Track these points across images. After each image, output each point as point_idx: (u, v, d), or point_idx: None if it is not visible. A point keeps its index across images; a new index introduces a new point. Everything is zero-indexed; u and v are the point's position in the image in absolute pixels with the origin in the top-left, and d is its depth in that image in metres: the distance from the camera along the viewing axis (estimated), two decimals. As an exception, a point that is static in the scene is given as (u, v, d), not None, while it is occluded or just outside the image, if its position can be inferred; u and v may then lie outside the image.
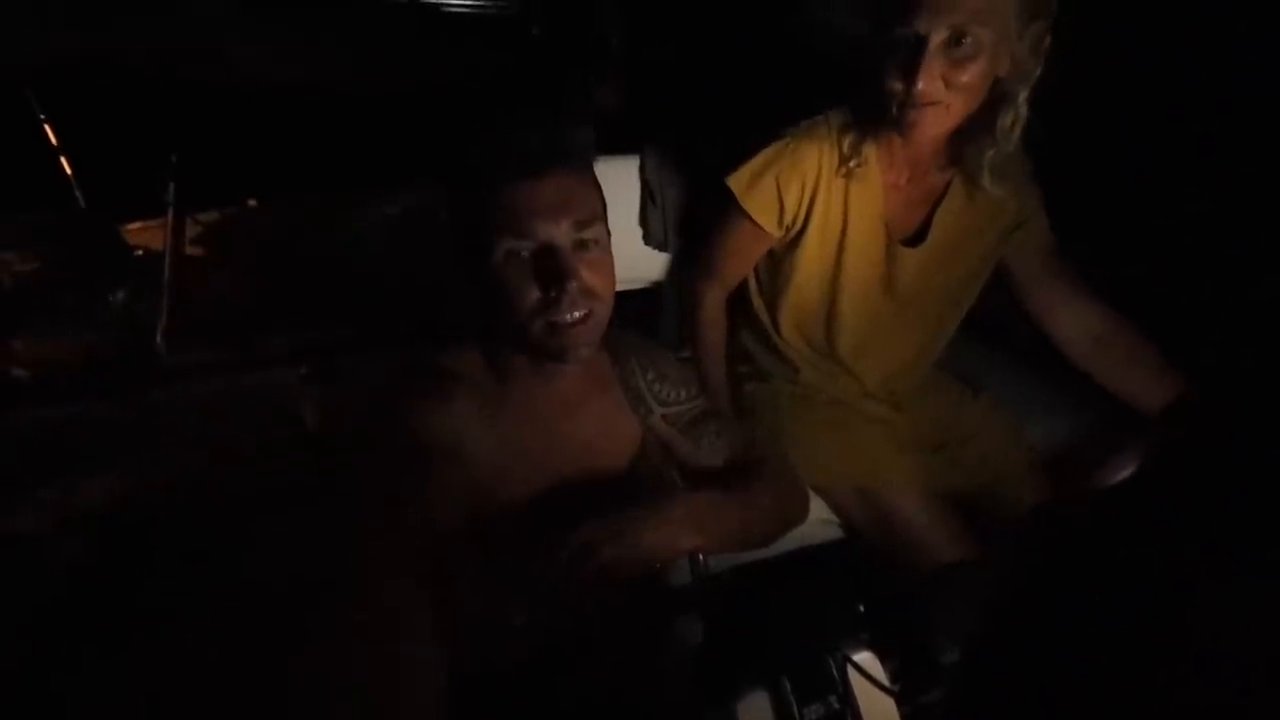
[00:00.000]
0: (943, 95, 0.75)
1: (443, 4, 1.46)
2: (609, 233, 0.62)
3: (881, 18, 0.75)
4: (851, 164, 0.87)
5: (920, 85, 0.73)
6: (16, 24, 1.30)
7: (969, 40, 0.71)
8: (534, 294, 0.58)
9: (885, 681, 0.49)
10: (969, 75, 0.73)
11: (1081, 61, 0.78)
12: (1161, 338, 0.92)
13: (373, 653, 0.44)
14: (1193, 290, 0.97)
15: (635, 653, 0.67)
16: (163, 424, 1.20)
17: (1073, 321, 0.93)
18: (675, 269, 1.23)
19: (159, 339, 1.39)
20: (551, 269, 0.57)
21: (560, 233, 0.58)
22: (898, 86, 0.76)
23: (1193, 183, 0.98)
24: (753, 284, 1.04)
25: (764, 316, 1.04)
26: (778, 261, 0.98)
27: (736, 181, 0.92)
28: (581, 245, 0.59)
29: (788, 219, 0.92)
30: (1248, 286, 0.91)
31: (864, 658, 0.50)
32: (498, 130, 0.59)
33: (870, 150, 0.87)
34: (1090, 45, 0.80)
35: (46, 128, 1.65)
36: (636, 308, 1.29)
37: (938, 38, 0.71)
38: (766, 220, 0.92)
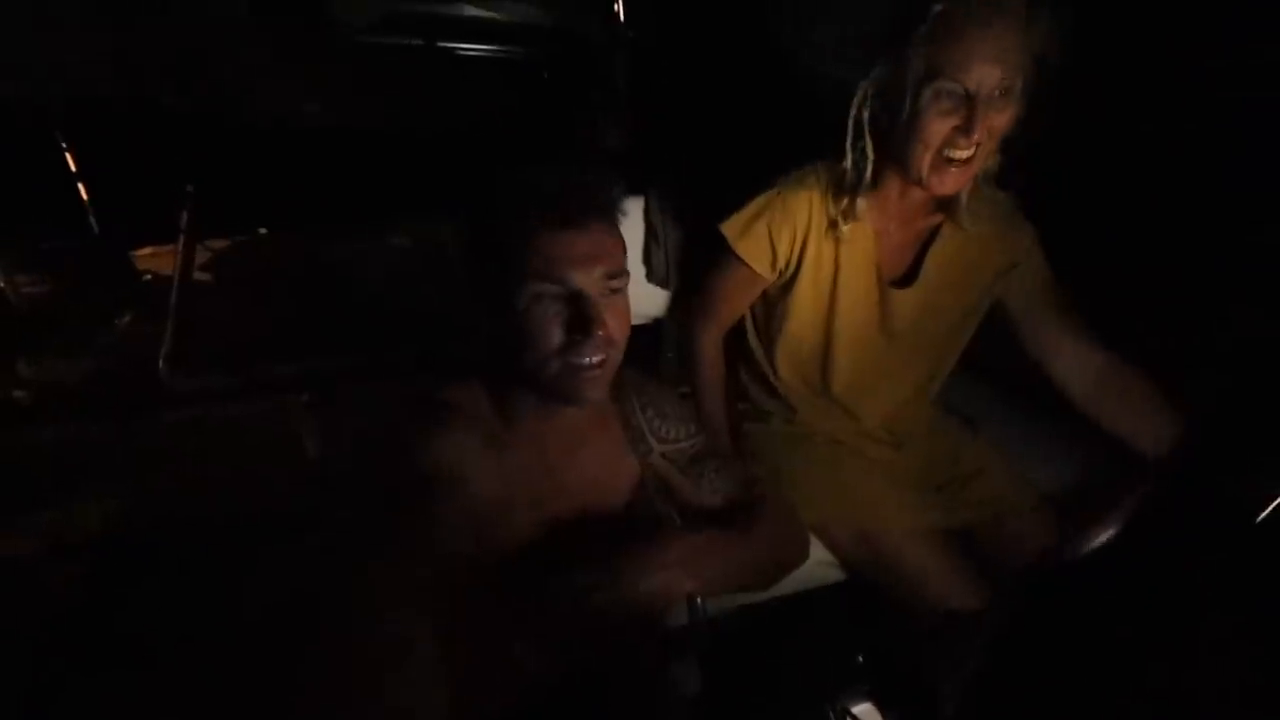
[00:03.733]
0: (980, 141, 0.78)
1: (456, 48, 1.52)
2: (629, 281, 0.64)
3: (922, 73, 0.77)
4: (842, 212, 0.89)
5: (975, 136, 0.76)
6: (46, 61, 1.34)
7: (1009, 90, 0.75)
8: (557, 336, 0.60)
9: (885, 734, 0.49)
10: (1003, 121, 0.77)
11: (1077, 92, 0.81)
12: (1160, 376, 0.91)
13: (373, 686, 0.43)
14: (1191, 327, 0.98)
15: (633, 700, 0.66)
16: (164, 449, 1.20)
17: (1071, 362, 0.94)
18: (677, 306, 1.25)
19: (162, 364, 1.39)
20: (578, 315, 0.59)
21: (591, 281, 0.59)
22: (932, 141, 0.78)
23: (1192, 216, 1.00)
24: (749, 325, 1.05)
25: (761, 357, 1.05)
26: (773, 304, 1.00)
27: (730, 228, 0.94)
28: (609, 292, 0.61)
29: (780, 263, 0.94)
30: (1245, 323, 0.92)
31: (863, 709, 0.49)
32: (543, 177, 0.61)
33: (860, 199, 0.89)
34: (1083, 77, 0.83)
35: (67, 155, 1.69)
36: (638, 343, 1.30)
37: (987, 89, 0.75)
38: (760, 265, 0.94)
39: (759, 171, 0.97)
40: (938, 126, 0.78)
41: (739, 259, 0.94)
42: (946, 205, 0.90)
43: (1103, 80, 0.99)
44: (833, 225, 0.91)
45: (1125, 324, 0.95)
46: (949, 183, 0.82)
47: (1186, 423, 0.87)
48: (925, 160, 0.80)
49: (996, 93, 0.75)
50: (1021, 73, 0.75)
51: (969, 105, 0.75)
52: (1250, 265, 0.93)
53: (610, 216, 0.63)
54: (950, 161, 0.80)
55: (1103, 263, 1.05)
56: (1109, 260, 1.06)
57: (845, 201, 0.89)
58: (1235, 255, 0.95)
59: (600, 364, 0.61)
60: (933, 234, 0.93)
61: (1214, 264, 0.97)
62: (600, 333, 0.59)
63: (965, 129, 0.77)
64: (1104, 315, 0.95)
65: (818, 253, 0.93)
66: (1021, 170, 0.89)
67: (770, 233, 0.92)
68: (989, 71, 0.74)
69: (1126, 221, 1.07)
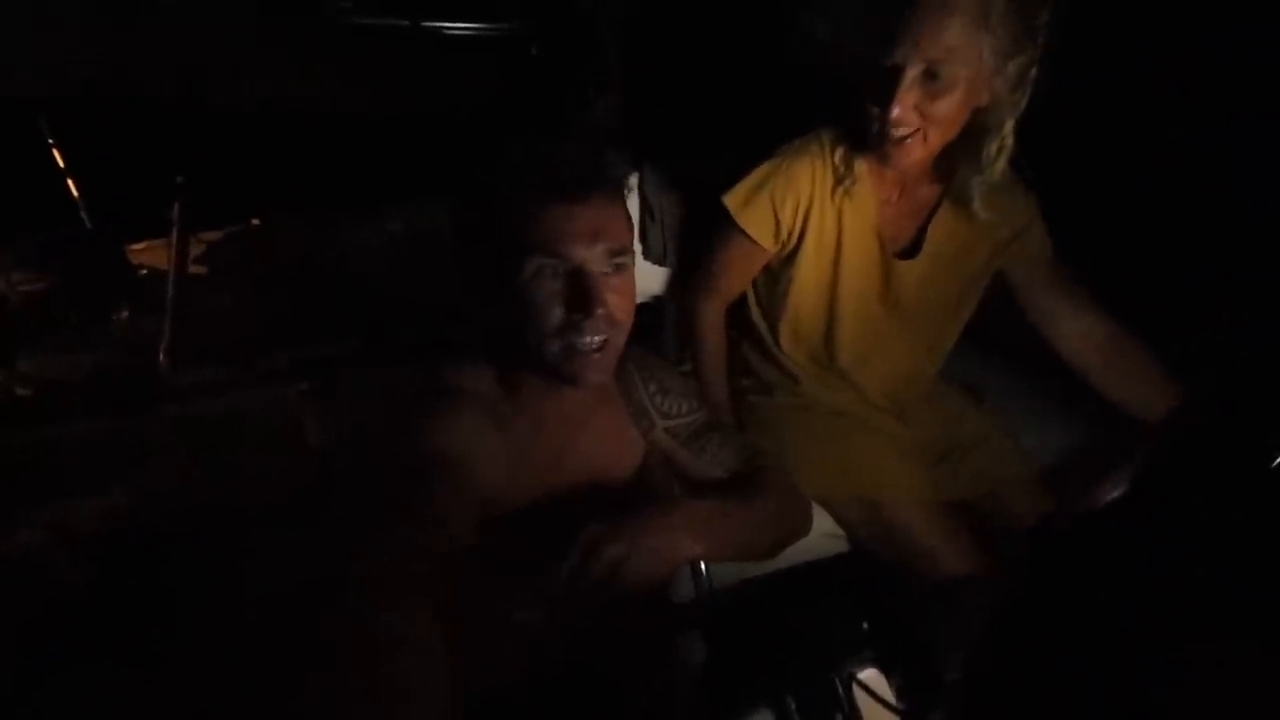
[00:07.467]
0: (916, 124, 0.77)
1: (442, 27, 1.48)
2: (634, 260, 0.63)
3: (864, 46, 0.77)
4: (844, 180, 0.89)
5: (893, 114, 0.76)
6: (31, 53, 1.32)
7: (943, 75, 0.73)
8: (558, 314, 0.58)
9: (891, 700, 0.49)
10: (942, 108, 0.76)
11: (1076, 69, 0.79)
12: (1161, 347, 0.91)
13: (376, 675, 0.43)
14: (1191, 299, 0.97)
15: (638, 671, 0.67)
16: (165, 441, 1.20)
17: (1073, 330, 0.94)
18: (675, 283, 1.23)
19: (162, 357, 1.39)
20: (580, 292, 0.58)
21: (594, 257, 0.58)
22: (874, 113, 0.78)
23: (1190, 190, 0.99)
24: (751, 297, 1.05)
25: (763, 329, 1.04)
26: (775, 275, 0.99)
27: (732, 199, 0.93)
28: (612, 270, 0.60)
29: (783, 235, 0.94)
30: (1246, 295, 0.91)
31: (869, 675, 0.49)
32: (546, 148, 0.59)
33: (862, 166, 0.89)
34: (1084, 54, 0.81)
35: (54, 151, 1.68)
36: (637, 321, 1.29)
37: (913, 70, 0.74)
38: (762, 236, 0.93)
39: (757, 144, 0.95)
40: (866, 98, 0.78)
41: (741, 231, 0.93)
42: (948, 179, 0.89)
43: (1105, 63, 0.97)
44: (835, 192, 0.90)
45: (1127, 302, 0.94)
46: (893, 157, 0.81)
47: (1188, 387, 0.87)
48: (873, 131, 0.80)
49: (924, 76, 0.74)
50: (963, 62, 0.72)
51: (886, 81, 0.75)
52: (1251, 245, 0.91)
53: (614, 191, 0.61)
54: (885, 138, 0.79)
55: (1105, 242, 1.04)
56: (1111, 239, 1.04)
57: (847, 164, 0.88)
58: (1238, 234, 0.94)
59: (602, 345, 0.60)
60: (935, 205, 0.92)
61: (1217, 242, 0.96)
62: (601, 311, 0.58)
63: (878, 102, 0.77)
64: (1106, 293, 0.94)
65: (820, 222, 0.92)
66: (1033, 160, 0.87)
67: (773, 203, 0.91)
68: (909, 50, 0.73)
69: (1129, 202, 1.05)
